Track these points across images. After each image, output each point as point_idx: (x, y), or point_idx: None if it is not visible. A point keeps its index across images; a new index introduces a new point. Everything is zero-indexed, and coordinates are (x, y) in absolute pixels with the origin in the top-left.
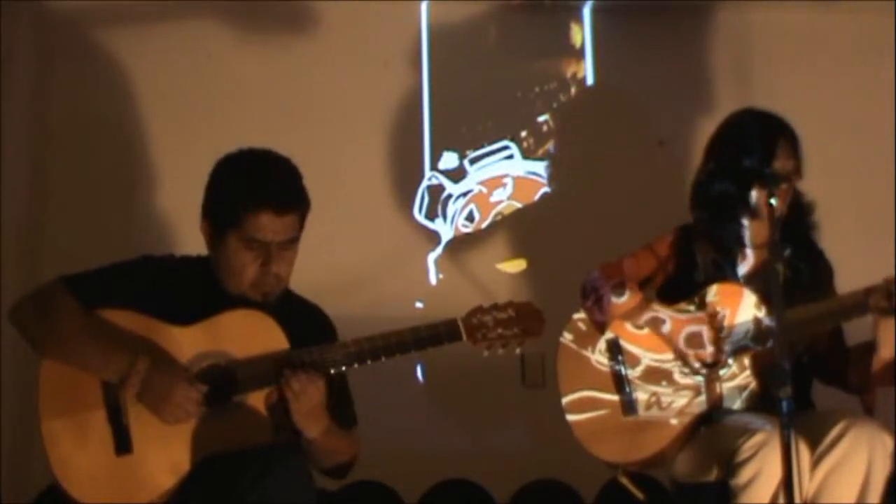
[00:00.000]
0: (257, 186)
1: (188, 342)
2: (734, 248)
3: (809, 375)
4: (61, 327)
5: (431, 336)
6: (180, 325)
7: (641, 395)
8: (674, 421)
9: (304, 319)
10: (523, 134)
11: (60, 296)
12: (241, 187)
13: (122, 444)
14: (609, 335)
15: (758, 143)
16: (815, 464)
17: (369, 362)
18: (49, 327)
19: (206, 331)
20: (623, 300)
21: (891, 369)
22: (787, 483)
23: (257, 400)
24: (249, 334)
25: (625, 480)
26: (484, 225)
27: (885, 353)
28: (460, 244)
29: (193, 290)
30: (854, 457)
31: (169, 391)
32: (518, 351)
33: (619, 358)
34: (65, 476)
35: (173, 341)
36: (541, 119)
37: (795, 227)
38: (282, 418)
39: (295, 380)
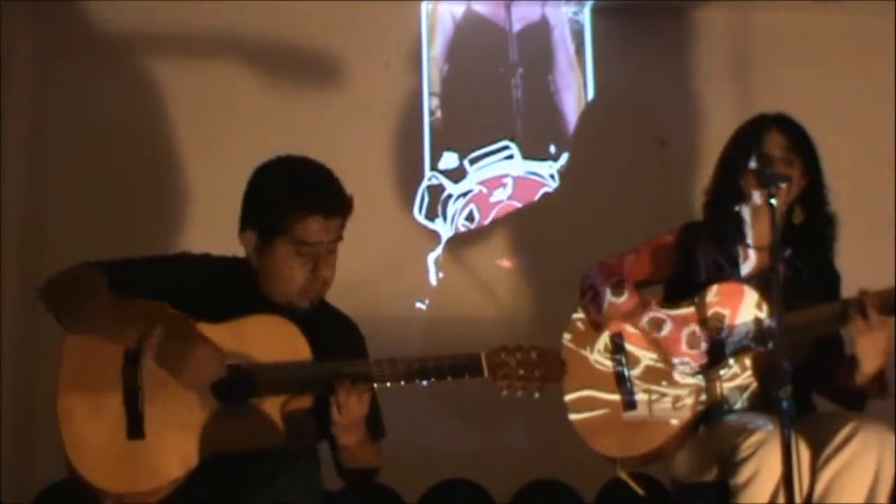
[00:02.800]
0: (306, 192)
1: (212, 339)
2: (736, 248)
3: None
4: (86, 297)
5: (453, 367)
6: (207, 322)
7: (641, 396)
8: (673, 421)
9: (332, 330)
10: (523, 134)
11: (88, 271)
12: (289, 194)
13: (135, 428)
14: (610, 334)
15: (743, 135)
16: (824, 464)
17: (388, 385)
18: (75, 298)
19: (232, 331)
20: (622, 300)
21: (877, 383)
22: (787, 482)
23: (272, 405)
24: (273, 341)
25: (624, 475)
26: (484, 224)
27: (867, 367)
28: (460, 244)
29: (226, 291)
30: (863, 458)
31: (188, 351)
32: (536, 395)
33: (620, 357)
34: (75, 452)
35: None
36: (541, 119)
37: (811, 237)
38: (299, 427)
39: (344, 392)
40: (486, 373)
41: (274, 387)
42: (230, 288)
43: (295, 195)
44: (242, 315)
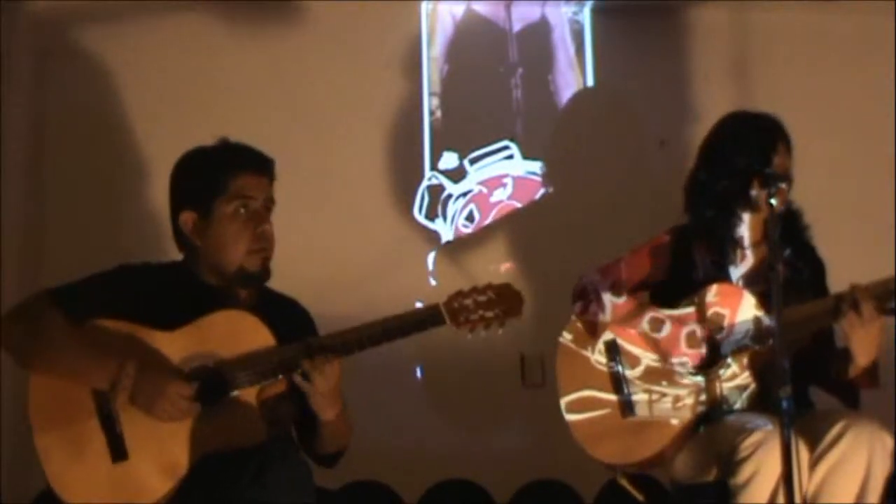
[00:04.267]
0: (232, 153)
1: (175, 346)
2: (732, 248)
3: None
4: (48, 341)
5: (415, 322)
6: (166, 330)
7: (641, 396)
8: (674, 421)
9: (283, 314)
10: (523, 134)
11: (44, 309)
12: (217, 159)
13: (118, 451)
14: (608, 336)
15: (756, 141)
16: (815, 463)
17: (356, 352)
18: (36, 342)
19: (192, 334)
20: (622, 301)
21: (868, 374)
22: (787, 482)
23: (249, 397)
24: (235, 334)
25: (624, 482)
26: (484, 225)
27: (861, 361)
28: (460, 244)
29: (175, 294)
30: (854, 456)
31: (160, 390)
32: (500, 331)
33: (619, 358)
34: (63, 489)
35: (161, 346)
36: (541, 119)
37: (789, 229)
38: (276, 413)
39: (312, 366)
40: (447, 320)
41: (246, 379)
42: (175, 290)
43: (222, 157)
44: (193, 313)
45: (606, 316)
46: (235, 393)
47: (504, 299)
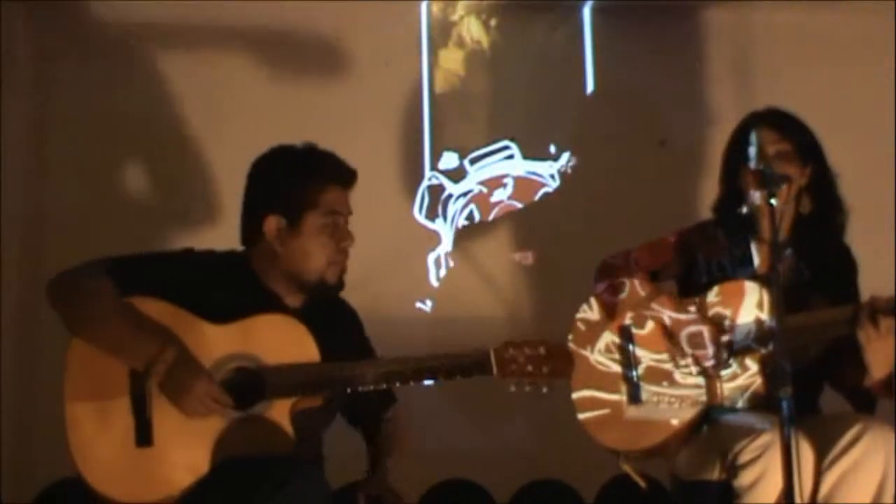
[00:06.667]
0: (326, 166)
1: (220, 341)
2: (745, 249)
3: (818, 380)
4: (94, 308)
5: (461, 366)
6: (214, 323)
7: (643, 395)
8: (674, 420)
9: (332, 315)
10: (523, 134)
11: (98, 277)
12: (312, 169)
13: (144, 436)
14: (610, 334)
15: (735, 134)
16: (830, 465)
17: (398, 384)
18: (82, 307)
19: (239, 332)
20: (623, 297)
21: (884, 386)
22: (786, 482)
23: (282, 409)
24: (281, 341)
25: (627, 467)
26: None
27: (877, 373)
28: (461, 244)
29: (231, 288)
30: (870, 460)
31: (190, 385)
32: (544, 390)
33: (621, 357)
34: (83, 461)
35: (205, 338)
36: (541, 119)
37: (818, 226)
38: (308, 424)
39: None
40: (494, 370)
41: (282, 389)
42: (236, 284)
43: (317, 170)
44: (250, 312)
45: (616, 311)
46: (270, 401)
47: (554, 358)
